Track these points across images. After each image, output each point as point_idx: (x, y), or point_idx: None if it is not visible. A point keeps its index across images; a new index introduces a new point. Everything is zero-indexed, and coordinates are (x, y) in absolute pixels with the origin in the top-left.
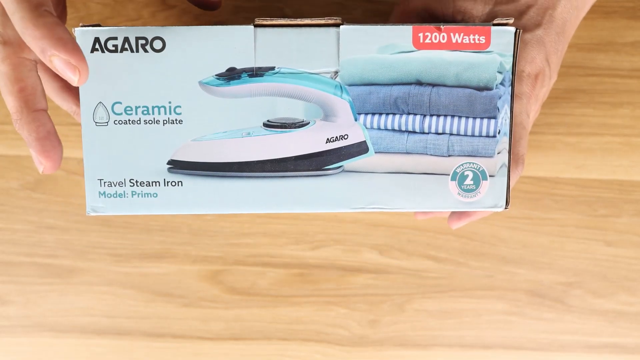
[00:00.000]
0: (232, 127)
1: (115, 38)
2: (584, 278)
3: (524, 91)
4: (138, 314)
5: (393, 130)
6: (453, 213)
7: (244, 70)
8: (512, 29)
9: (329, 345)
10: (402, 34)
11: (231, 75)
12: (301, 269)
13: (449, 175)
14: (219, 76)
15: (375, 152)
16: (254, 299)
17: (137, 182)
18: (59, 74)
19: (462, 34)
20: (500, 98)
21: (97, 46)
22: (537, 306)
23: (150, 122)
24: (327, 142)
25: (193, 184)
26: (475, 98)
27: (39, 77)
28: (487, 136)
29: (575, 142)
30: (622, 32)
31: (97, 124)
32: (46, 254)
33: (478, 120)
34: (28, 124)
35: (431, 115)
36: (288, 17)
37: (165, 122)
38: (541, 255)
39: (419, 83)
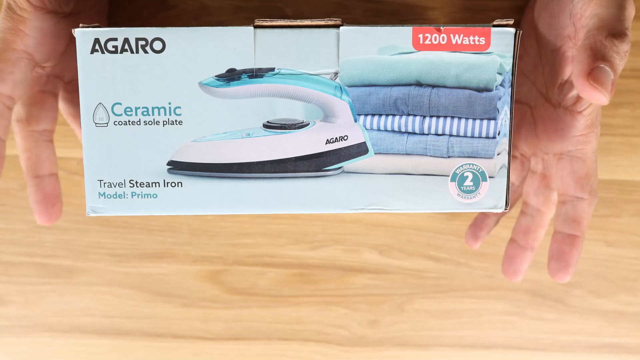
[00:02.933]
0: (232, 128)
1: (115, 39)
2: (584, 278)
3: (599, 122)
4: (138, 314)
5: (393, 131)
6: (468, 234)
7: (244, 71)
8: (512, 30)
9: (329, 345)
10: (401, 35)
11: (231, 76)
12: (301, 269)
13: (448, 176)
14: (219, 77)
15: (375, 153)
16: (254, 299)
17: (137, 182)
18: None
19: (462, 35)
20: (500, 99)
21: (97, 47)
22: (538, 306)
23: (150, 122)
24: (326, 143)
25: (193, 184)
26: (475, 99)
27: (46, 146)
28: (487, 137)
29: None
30: None
31: (97, 124)
32: (46, 254)
33: (478, 122)
34: (29, 187)
35: (431, 117)
36: (288, 18)
37: (165, 123)
38: (541, 255)
39: (418, 84)
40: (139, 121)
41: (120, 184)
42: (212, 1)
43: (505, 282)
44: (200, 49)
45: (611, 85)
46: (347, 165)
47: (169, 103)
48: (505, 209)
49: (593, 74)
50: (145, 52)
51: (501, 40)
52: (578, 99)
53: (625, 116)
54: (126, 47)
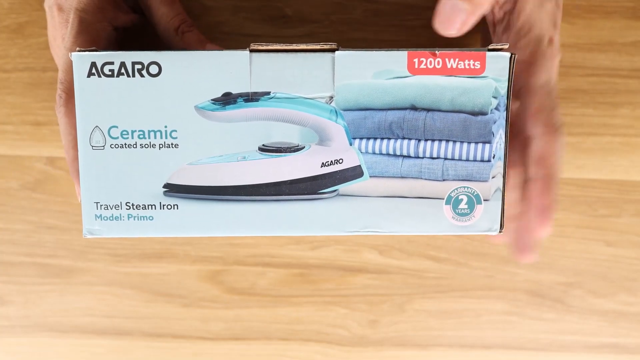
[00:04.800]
0: (228, 151)
1: (112, 63)
2: (584, 278)
3: (547, 52)
4: (138, 314)
5: (388, 154)
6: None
7: (240, 95)
8: (507, 54)
9: (329, 345)
10: (397, 59)
11: (227, 100)
12: (301, 269)
13: (443, 199)
14: (215, 101)
15: (370, 177)
16: (254, 299)
17: (133, 205)
18: None
19: (457, 59)
20: (495, 123)
21: (93, 71)
22: (537, 306)
23: (146, 146)
24: (322, 167)
25: (189, 207)
26: (470, 123)
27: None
28: (482, 160)
29: (575, 142)
30: (622, 32)
31: (94, 147)
32: (46, 254)
33: (473, 145)
34: (71, 161)
35: (426, 140)
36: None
37: (161, 146)
38: (541, 255)
39: (413, 108)
40: (135, 144)
41: (116, 206)
42: (212, 1)
43: (505, 282)
44: (196, 72)
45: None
46: (342, 188)
47: (165, 126)
48: (500, 232)
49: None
50: (142, 75)
51: (496, 65)
52: (504, 30)
53: (625, 116)
54: (122, 70)
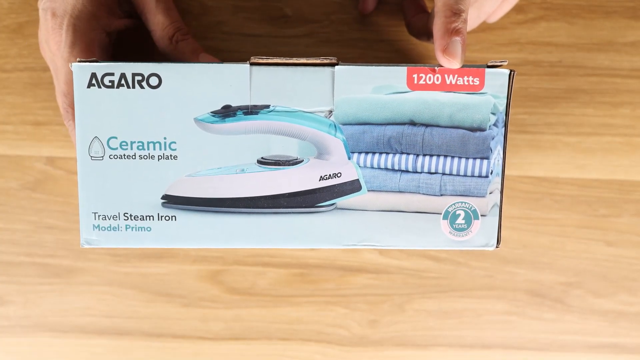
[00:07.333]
0: (227, 164)
1: (112, 74)
2: (584, 278)
3: None
4: (138, 314)
5: (386, 169)
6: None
7: (239, 108)
8: (507, 71)
9: (329, 345)
10: (396, 74)
11: (226, 112)
12: (301, 269)
13: (440, 214)
14: (214, 113)
15: (368, 191)
16: (254, 299)
17: (131, 216)
18: None
19: (456, 76)
20: (493, 139)
21: (93, 81)
22: (537, 306)
23: (145, 157)
24: (320, 180)
25: (187, 218)
26: (468, 139)
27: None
28: (480, 176)
29: (575, 142)
30: (622, 32)
31: (93, 158)
32: (46, 254)
33: (471, 161)
34: None
35: (424, 155)
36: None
37: (160, 157)
38: (541, 255)
39: (412, 123)
40: (134, 155)
41: (114, 217)
42: (212, 1)
43: (505, 282)
44: (196, 85)
45: (462, 51)
46: (340, 201)
47: (164, 138)
48: (497, 247)
49: (448, 49)
50: (142, 87)
51: (495, 81)
52: None
53: (625, 116)
54: (122, 82)
